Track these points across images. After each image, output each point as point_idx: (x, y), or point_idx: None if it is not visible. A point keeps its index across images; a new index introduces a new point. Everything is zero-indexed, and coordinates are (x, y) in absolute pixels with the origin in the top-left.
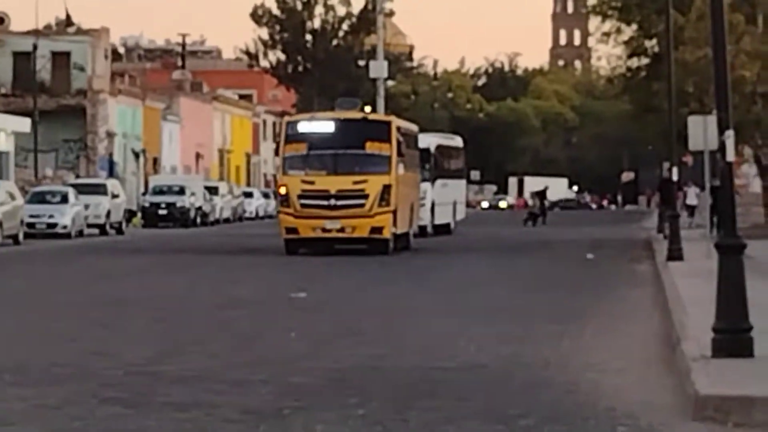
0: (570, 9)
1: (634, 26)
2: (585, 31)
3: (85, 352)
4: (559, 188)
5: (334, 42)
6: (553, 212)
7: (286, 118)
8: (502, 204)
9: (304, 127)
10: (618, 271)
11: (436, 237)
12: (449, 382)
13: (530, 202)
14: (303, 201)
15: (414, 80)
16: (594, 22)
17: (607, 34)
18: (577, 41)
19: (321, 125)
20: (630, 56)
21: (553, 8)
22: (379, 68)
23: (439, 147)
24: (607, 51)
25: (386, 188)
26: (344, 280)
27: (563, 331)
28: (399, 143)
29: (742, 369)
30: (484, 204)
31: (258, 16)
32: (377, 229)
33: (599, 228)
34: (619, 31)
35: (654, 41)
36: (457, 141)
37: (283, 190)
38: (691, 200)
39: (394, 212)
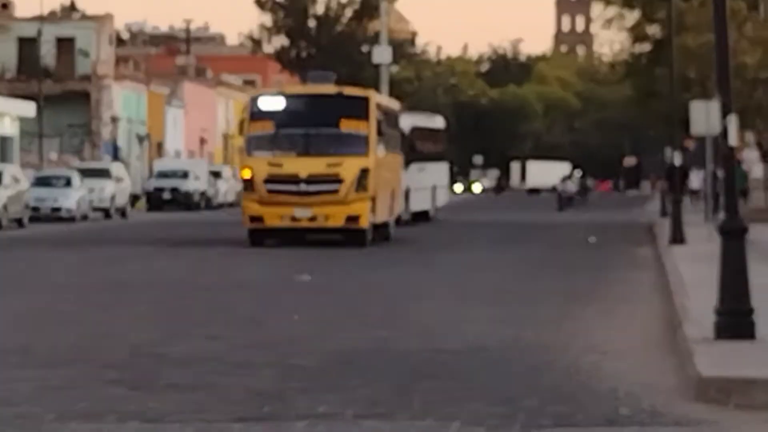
0: None
1: (637, 12)
2: (588, 17)
3: (90, 334)
4: (562, 173)
5: (338, 28)
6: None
7: (251, 93)
8: (476, 188)
9: (271, 103)
10: (620, 254)
11: (416, 225)
12: (452, 364)
13: (560, 188)
14: (269, 186)
15: (417, 66)
16: (597, 7)
17: (609, 20)
18: (580, 27)
19: (290, 101)
20: (633, 42)
21: None
22: (382, 54)
23: (414, 128)
24: (610, 37)
25: (364, 172)
26: (349, 263)
27: (564, 313)
28: (379, 122)
29: (744, 351)
30: (457, 188)
31: (262, 2)
32: (353, 218)
33: (602, 212)
34: (621, 17)
35: (656, 27)
36: (438, 122)
37: (246, 174)
38: (695, 185)
39: (373, 199)
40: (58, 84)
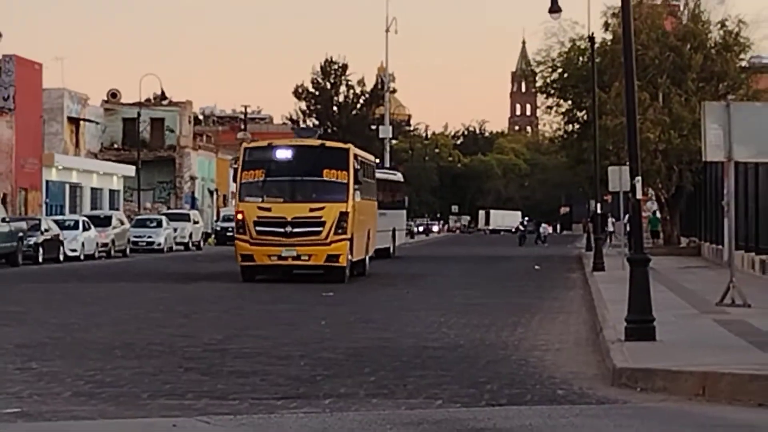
0: (523, 89)
1: (569, 101)
2: (534, 104)
3: (173, 335)
4: (515, 219)
5: (354, 112)
6: (511, 236)
7: (244, 145)
8: (435, 228)
9: (262, 153)
10: (557, 278)
11: (377, 260)
12: (436, 358)
13: (521, 228)
14: (259, 228)
15: (411, 140)
16: (540, 98)
17: (549, 107)
18: (528, 112)
19: (279, 152)
20: (566, 123)
21: (511, 88)
22: (385, 131)
23: (377, 180)
24: (550, 119)
25: (343, 216)
26: (359, 285)
27: (517, 321)
28: (356, 171)
29: (647, 349)
30: (419, 228)
31: (299, 93)
32: (334, 257)
33: (544, 247)
34: (558, 105)
35: (584, 112)
36: (398, 176)
37: (239, 217)
38: (609, 227)
39: (351, 240)
40: (151, 152)
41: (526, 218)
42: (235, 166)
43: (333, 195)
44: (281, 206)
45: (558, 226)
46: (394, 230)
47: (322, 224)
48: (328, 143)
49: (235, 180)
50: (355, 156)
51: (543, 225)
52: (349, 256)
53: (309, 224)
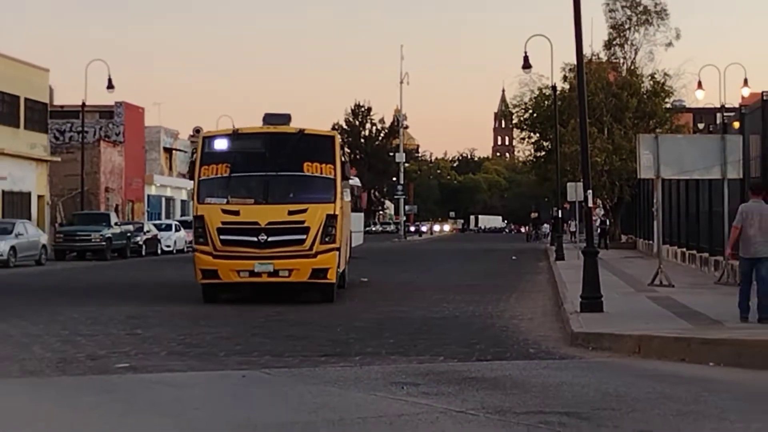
0: (503, 125)
1: (538, 134)
2: (511, 136)
3: (242, 308)
4: (497, 222)
5: (376, 143)
6: (494, 235)
7: (203, 133)
8: (425, 228)
9: (227, 143)
10: (530, 265)
11: None
12: (439, 326)
13: (524, 228)
14: (224, 237)
15: (419, 163)
16: (516, 132)
17: (523, 139)
18: (507, 142)
19: (247, 141)
20: (535, 150)
21: (494, 124)
22: (400, 157)
23: None
24: (523, 147)
25: (330, 219)
26: (386, 270)
27: (499, 298)
28: (343, 164)
29: (597, 318)
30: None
31: (335, 129)
32: (320, 272)
33: (518, 243)
34: (529, 137)
35: (548, 142)
36: (355, 181)
37: (199, 223)
38: (573, 228)
39: (339, 249)
40: None
41: (505, 221)
42: (193, 159)
43: (317, 194)
44: (252, 209)
45: (530, 227)
46: (349, 233)
47: (305, 231)
48: (309, 129)
49: (192, 177)
50: (341, 146)
51: (545, 225)
52: (338, 269)
53: (288, 231)
